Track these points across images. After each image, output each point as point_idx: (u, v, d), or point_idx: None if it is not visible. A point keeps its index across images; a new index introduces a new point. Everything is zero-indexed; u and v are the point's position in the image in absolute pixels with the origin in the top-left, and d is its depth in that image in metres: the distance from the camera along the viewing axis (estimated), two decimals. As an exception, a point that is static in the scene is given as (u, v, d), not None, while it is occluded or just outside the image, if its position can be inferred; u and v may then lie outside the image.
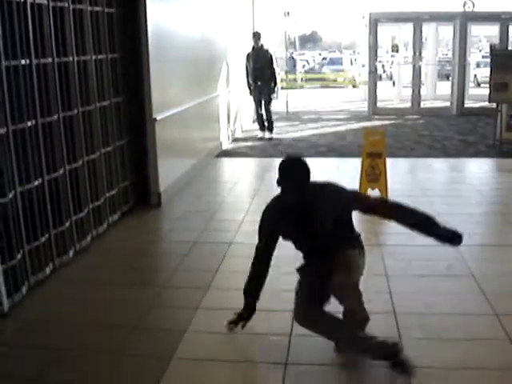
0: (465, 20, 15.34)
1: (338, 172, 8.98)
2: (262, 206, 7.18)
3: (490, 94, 10.33)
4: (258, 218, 6.85)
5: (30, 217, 4.64)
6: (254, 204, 7.23)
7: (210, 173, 9.03)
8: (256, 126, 12.61)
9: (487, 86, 10.86)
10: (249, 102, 13.23)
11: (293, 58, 27.05)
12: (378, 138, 7.47)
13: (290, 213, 3.63)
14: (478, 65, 23.94)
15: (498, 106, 10.54)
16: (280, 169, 3.59)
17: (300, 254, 3.85)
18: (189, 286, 4.73)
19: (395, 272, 4.85)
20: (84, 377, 3.44)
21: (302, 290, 3.64)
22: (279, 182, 3.59)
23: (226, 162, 9.92)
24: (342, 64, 31.40)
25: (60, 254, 5.09)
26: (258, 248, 3.97)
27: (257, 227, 6.49)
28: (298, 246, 3.84)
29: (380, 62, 17.67)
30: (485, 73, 20.56)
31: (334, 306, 3.55)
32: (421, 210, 3.61)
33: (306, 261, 3.82)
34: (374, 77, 15.84)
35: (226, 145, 11.08)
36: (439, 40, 19.89)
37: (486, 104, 13.21)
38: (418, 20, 15.81)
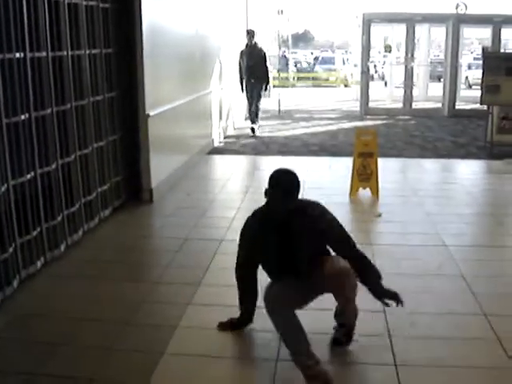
0: (457, 22, 15.40)
1: (330, 171, 9.01)
2: (254, 204, 7.20)
3: (481, 95, 10.39)
4: (249, 215, 6.90)
5: (22, 210, 4.63)
6: (246, 201, 7.25)
7: (201, 170, 9.03)
8: (248, 123, 12.62)
9: (478, 87, 10.94)
10: (241, 100, 13.24)
11: (285, 56, 27.05)
12: (370, 138, 7.51)
13: (273, 224, 3.54)
14: (469, 67, 24.06)
15: (489, 107, 10.61)
16: (270, 178, 3.57)
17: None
18: (180, 282, 4.73)
19: (386, 271, 4.85)
20: (75, 371, 3.44)
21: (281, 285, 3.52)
22: (266, 193, 3.55)
23: (218, 159, 9.92)
24: (334, 63, 31.45)
25: (51, 248, 5.07)
26: (240, 265, 3.79)
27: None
28: (271, 265, 3.67)
29: (372, 62, 17.70)
30: (476, 75, 20.72)
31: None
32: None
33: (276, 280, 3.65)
34: (366, 77, 15.88)
35: (218, 142, 11.09)
36: (431, 41, 19.95)
37: (477, 106, 13.28)
38: (410, 21, 15.85)
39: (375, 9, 16.80)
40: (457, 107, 15.78)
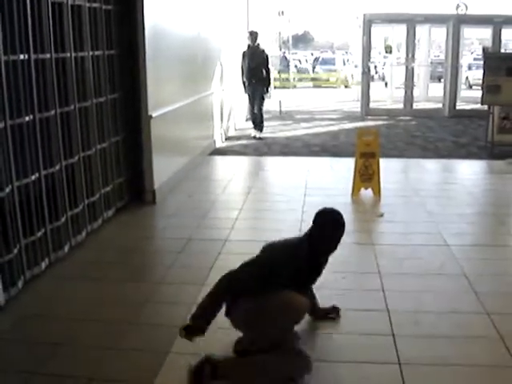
0: (458, 22, 15.44)
1: (332, 171, 9.03)
2: (256, 204, 7.32)
3: (482, 96, 10.42)
4: (252, 215, 6.95)
5: (27, 211, 4.66)
6: (248, 202, 7.28)
7: (203, 171, 9.05)
8: (249, 124, 12.64)
9: (479, 88, 10.96)
10: (242, 101, 13.27)
11: (286, 57, 27.07)
12: (372, 138, 7.54)
13: (302, 271, 3.55)
14: (469, 67, 24.07)
15: (490, 108, 10.64)
16: (330, 221, 3.72)
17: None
18: (184, 282, 4.76)
19: (388, 270, 4.89)
20: (79, 371, 3.46)
21: None
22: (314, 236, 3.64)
23: (220, 160, 9.94)
24: (334, 64, 31.47)
25: (55, 249, 5.10)
26: (237, 280, 3.53)
27: (250, 224, 6.57)
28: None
29: (373, 62, 17.73)
30: (476, 75, 20.74)
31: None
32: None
33: None
34: (367, 77, 15.91)
35: (220, 143, 11.11)
36: (432, 42, 19.98)
37: (477, 106, 13.32)
38: (411, 21, 15.88)
39: (375, 9, 16.82)
40: (457, 107, 15.81)
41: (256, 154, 10.37)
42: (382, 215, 6.56)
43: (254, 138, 11.90)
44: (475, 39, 32.04)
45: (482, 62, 11.65)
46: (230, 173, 9.02)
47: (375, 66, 24.84)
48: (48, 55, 4.94)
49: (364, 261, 5.26)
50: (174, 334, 3.83)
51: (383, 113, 15.95)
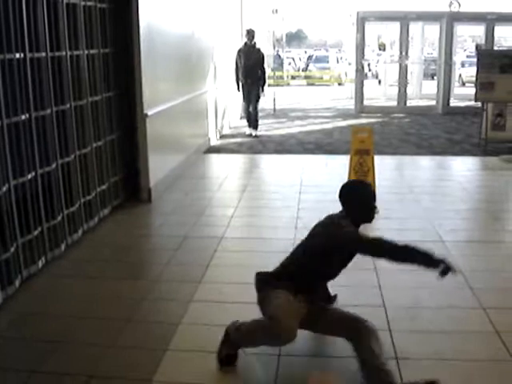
0: (451, 20, 15.48)
1: (327, 169, 9.05)
2: (251, 202, 7.32)
3: (476, 93, 10.45)
4: (248, 213, 6.98)
5: (23, 210, 4.66)
6: (244, 199, 7.30)
7: (198, 169, 9.07)
8: (244, 122, 12.66)
9: (472, 85, 10.99)
10: (236, 99, 13.28)
11: (279, 55, 27.12)
12: (366, 136, 7.54)
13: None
14: (462, 64, 24.12)
15: (483, 105, 10.68)
16: (366, 192, 4.01)
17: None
18: (181, 279, 4.77)
19: (384, 266, 4.89)
20: (77, 369, 3.46)
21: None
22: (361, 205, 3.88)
23: (215, 158, 9.96)
24: (328, 62, 31.50)
25: (52, 247, 5.11)
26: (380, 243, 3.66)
27: (246, 221, 6.59)
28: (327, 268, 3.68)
29: (366, 60, 17.77)
30: (469, 72, 20.79)
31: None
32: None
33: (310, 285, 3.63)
34: (360, 75, 15.94)
35: (215, 141, 11.13)
36: (425, 39, 20.02)
37: (471, 103, 13.37)
38: (404, 19, 15.92)
39: (369, 7, 16.82)
40: (451, 105, 15.87)
41: (251, 152, 10.39)
42: (377, 212, 6.56)
43: (249, 135, 11.91)
44: (468, 36, 32.12)
45: (475, 60, 11.70)
46: (226, 171, 9.04)
47: (369, 64, 24.88)
48: (43, 54, 4.94)
49: (360, 257, 5.26)
50: (171, 331, 3.87)
51: (377, 110, 15.98)
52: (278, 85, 21.94)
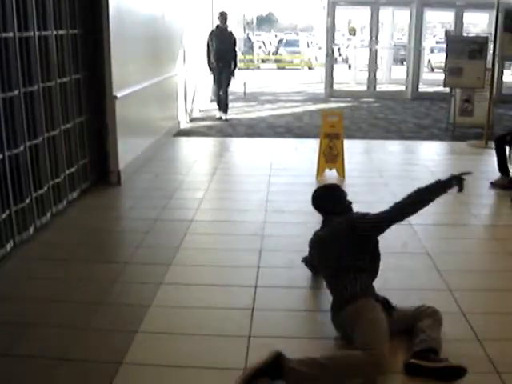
0: (421, 5, 15.57)
1: (296, 153, 9.08)
2: (222, 185, 7.34)
3: (444, 78, 10.56)
4: (218, 196, 7.00)
5: (-9, 193, 4.61)
6: (214, 182, 7.31)
7: (168, 152, 9.03)
8: (214, 105, 12.63)
9: (441, 71, 11.10)
10: (206, 82, 13.22)
11: (249, 38, 27.00)
12: (336, 120, 7.60)
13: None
14: (432, 50, 24.31)
15: (451, 90, 10.80)
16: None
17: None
18: (151, 262, 4.77)
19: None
20: (48, 352, 3.44)
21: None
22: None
23: (185, 141, 9.93)
24: (298, 46, 31.50)
25: (20, 230, 5.05)
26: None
27: (216, 205, 6.61)
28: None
29: (337, 45, 17.82)
30: (438, 58, 20.94)
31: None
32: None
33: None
34: (331, 59, 15.98)
35: (184, 124, 11.09)
36: (395, 25, 20.12)
37: (439, 88, 13.51)
38: (375, 4, 15.97)
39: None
40: (420, 90, 16.01)
41: (221, 135, 10.38)
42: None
43: (219, 119, 11.89)
44: (438, 23, 32.35)
45: (444, 46, 11.81)
46: (196, 154, 9.02)
47: (339, 49, 24.96)
48: (11, 34, 4.85)
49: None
50: (142, 313, 3.88)
51: (347, 95, 16.06)
52: (248, 68, 21.89)
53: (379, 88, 16.57)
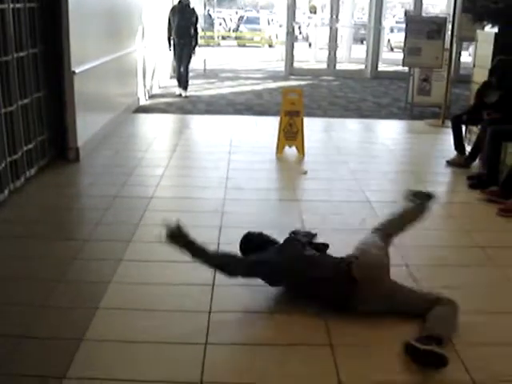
0: (381, -15, 15.63)
1: (257, 130, 9.10)
2: (181, 162, 7.33)
3: (403, 58, 10.66)
4: (178, 173, 6.99)
5: None
6: (173, 159, 7.29)
7: (128, 128, 8.96)
8: (174, 82, 12.54)
9: (400, 50, 11.20)
10: (166, 59, 13.11)
11: (210, 15, 26.82)
12: (296, 97, 7.64)
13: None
14: (391, 30, 24.48)
15: (410, 69, 10.93)
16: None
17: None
18: (111, 239, 4.75)
19: (312, 226, 5.02)
20: (8, 329, 3.41)
21: None
22: None
23: (144, 117, 9.85)
24: (259, 23, 31.38)
25: (-23, 207, 4.99)
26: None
27: (176, 181, 6.59)
28: None
29: (297, 23, 17.80)
30: (398, 38, 21.09)
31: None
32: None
33: None
34: (291, 37, 15.98)
35: (144, 101, 10.99)
36: (355, 4, 20.18)
37: (398, 68, 13.62)
38: (335, -18, 15.98)
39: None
40: (379, 69, 16.13)
41: (181, 112, 10.33)
42: (305, 173, 6.69)
43: (179, 96, 11.82)
44: (397, 3, 32.50)
45: (403, 26, 11.91)
46: (155, 130, 8.97)
47: (299, 27, 24.95)
48: (-34, 6, 4.76)
49: (289, 216, 5.38)
50: (102, 289, 3.87)
51: (307, 73, 16.10)
52: (208, 45, 21.75)
53: (339, 66, 16.64)
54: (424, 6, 16.29)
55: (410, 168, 7.26)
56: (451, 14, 10.32)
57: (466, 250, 4.78)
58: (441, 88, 10.23)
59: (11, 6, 5.54)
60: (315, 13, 21.18)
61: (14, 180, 5.74)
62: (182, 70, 11.84)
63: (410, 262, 4.39)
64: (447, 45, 10.02)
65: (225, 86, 13.95)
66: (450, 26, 10.29)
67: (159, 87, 12.77)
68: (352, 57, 18.71)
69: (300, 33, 26.32)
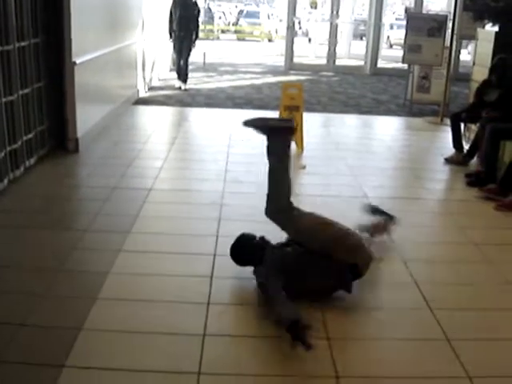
0: (382, -19, 15.63)
1: (256, 124, 9.09)
2: (180, 154, 7.34)
3: (403, 55, 10.67)
4: (176, 165, 7.01)
5: None
6: (173, 152, 7.31)
7: (127, 120, 8.96)
8: (173, 75, 12.54)
9: (399, 47, 11.21)
10: (166, 52, 13.09)
11: (210, 8, 26.78)
12: (296, 92, 7.65)
13: None
14: (391, 26, 24.48)
15: (410, 67, 10.94)
16: None
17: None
18: (110, 230, 4.77)
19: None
20: (7, 318, 3.42)
21: None
22: None
23: (143, 109, 9.85)
24: (259, 18, 31.34)
25: (-23, 196, 4.99)
26: None
27: (175, 174, 6.61)
28: None
29: (297, 18, 17.79)
30: (397, 35, 21.13)
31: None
32: None
33: None
34: (291, 32, 15.97)
35: (143, 93, 10.99)
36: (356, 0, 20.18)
37: (398, 65, 13.65)
38: (336, -22, 15.97)
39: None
40: (378, 66, 16.14)
41: (180, 105, 10.33)
42: (304, 167, 6.71)
43: (179, 88, 11.82)
44: (397, -1, 32.56)
45: (403, 22, 11.92)
46: (155, 123, 8.98)
47: (299, 22, 24.93)
48: (-32, -5, 4.75)
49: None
50: (101, 280, 3.89)
51: (306, 68, 16.10)
52: (208, 38, 21.73)
53: (338, 62, 16.63)
54: (424, 4, 16.28)
55: (408, 165, 7.28)
56: (452, 11, 10.33)
57: (461, 246, 4.80)
58: (440, 86, 10.25)
59: (14, -5, 5.54)
60: (316, 8, 21.16)
61: (13, 169, 5.74)
62: (181, 62, 11.83)
63: (406, 258, 4.41)
64: (447, 43, 10.04)
65: (224, 79, 13.95)
66: (450, 24, 10.32)
67: (159, 80, 12.76)
68: (352, 53, 18.71)
69: (300, 28, 26.31)
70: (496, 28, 8.39)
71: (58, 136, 6.83)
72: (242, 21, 31.85)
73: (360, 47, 17.77)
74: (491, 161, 6.28)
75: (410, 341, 3.39)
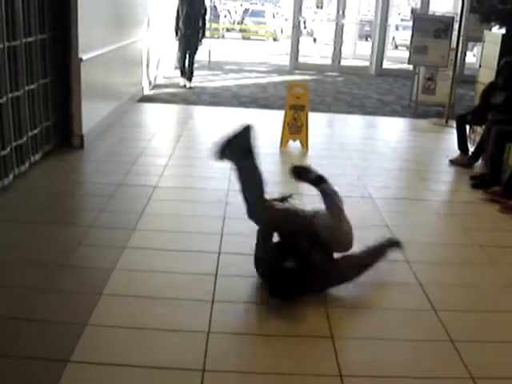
0: (388, -18, 15.62)
1: (261, 123, 9.09)
2: (185, 152, 7.34)
3: (409, 56, 10.66)
4: (181, 162, 7.00)
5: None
6: (177, 149, 7.30)
7: (132, 117, 8.96)
8: (178, 73, 12.54)
9: (404, 48, 11.20)
10: (171, 49, 13.09)
11: (215, 7, 26.74)
12: (302, 91, 7.65)
13: None
14: (396, 27, 24.45)
15: (415, 68, 10.94)
16: None
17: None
18: (115, 226, 4.77)
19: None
20: (13, 312, 3.43)
21: None
22: None
23: (148, 107, 9.85)
24: (264, 17, 31.32)
25: (-18, 191, 5.00)
26: None
27: (180, 171, 6.62)
28: None
29: (303, 17, 17.80)
30: (403, 36, 21.11)
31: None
32: None
33: None
34: (297, 31, 15.97)
35: (148, 90, 10.99)
36: (362, 0, 20.15)
37: (403, 66, 13.65)
38: (342, -22, 15.96)
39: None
40: (384, 66, 16.12)
41: (185, 103, 10.34)
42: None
43: (184, 86, 11.82)
44: (403, 0, 32.52)
45: (408, 23, 11.91)
46: (159, 120, 8.98)
47: (304, 21, 24.92)
48: (-23, -9, 4.76)
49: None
50: (106, 276, 3.90)
51: (312, 68, 16.09)
52: (213, 37, 21.71)
53: (344, 63, 16.61)
54: (430, 5, 16.26)
55: (412, 166, 7.28)
56: (458, 13, 10.32)
57: (466, 248, 4.80)
58: (445, 87, 10.23)
59: (21, -9, 5.55)
60: (322, 7, 21.14)
61: (18, 165, 5.75)
62: (187, 60, 11.83)
63: (410, 259, 4.40)
64: (453, 44, 10.03)
65: (229, 78, 13.95)
66: (457, 26, 10.30)
67: (164, 77, 12.76)
68: (357, 53, 18.68)
69: (305, 27, 26.31)
70: (503, 30, 8.39)
71: (63, 132, 6.84)
72: (247, 20, 31.83)
73: (365, 48, 17.75)
74: (496, 163, 6.27)
75: (414, 341, 3.40)
